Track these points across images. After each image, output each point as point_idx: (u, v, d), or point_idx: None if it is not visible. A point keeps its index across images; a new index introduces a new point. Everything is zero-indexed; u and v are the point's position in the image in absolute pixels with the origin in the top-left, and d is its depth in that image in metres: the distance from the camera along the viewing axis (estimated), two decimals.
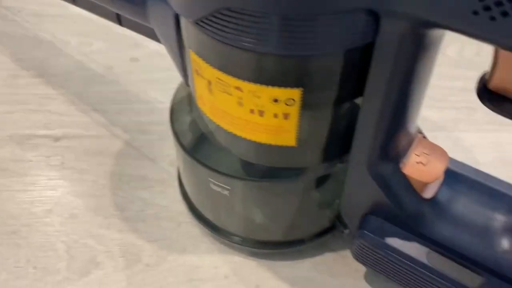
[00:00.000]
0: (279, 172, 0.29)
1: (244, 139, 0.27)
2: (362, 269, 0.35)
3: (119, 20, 0.36)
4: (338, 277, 0.35)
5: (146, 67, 0.51)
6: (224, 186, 0.30)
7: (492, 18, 0.17)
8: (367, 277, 0.35)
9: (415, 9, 0.18)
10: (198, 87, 0.27)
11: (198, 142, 0.32)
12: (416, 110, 0.26)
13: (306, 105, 0.24)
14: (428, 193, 0.29)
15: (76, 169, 0.42)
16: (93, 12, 0.38)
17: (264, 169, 0.29)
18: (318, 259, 0.36)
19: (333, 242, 0.36)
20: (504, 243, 0.26)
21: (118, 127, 0.45)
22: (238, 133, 0.27)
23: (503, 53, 0.20)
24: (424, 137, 0.31)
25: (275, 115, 0.25)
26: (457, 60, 0.52)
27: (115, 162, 0.42)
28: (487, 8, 0.17)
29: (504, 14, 0.16)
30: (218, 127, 0.28)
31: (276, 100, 0.24)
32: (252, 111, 0.25)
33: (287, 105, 0.24)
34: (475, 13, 0.17)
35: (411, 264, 0.28)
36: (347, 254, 0.36)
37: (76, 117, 0.46)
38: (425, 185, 0.29)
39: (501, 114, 0.22)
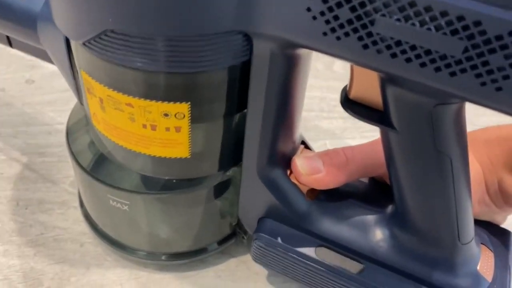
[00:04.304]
0: (176, 183, 0.30)
1: (139, 154, 0.28)
2: (262, 272, 0.37)
3: (9, 42, 0.36)
4: (240, 281, 0.37)
5: (42, 89, 0.50)
6: (123, 201, 0.31)
7: (338, 38, 0.20)
8: (267, 279, 0.37)
9: (277, 31, 0.21)
10: (91, 106, 0.28)
11: (96, 160, 0.32)
12: (296, 119, 0.30)
13: (195, 118, 0.26)
14: (312, 195, 0.32)
15: None
16: None
17: (162, 181, 0.30)
18: (221, 266, 0.38)
19: (234, 249, 0.38)
20: (377, 234, 0.30)
21: (14, 151, 0.44)
22: (133, 148, 0.28)
23: (355, 68, 0.24)
24: (306, 146, 0.34)
25: (167, 129, 0.26)
26: (343, 74, 0.57)
27: (12, 187, 0.41)
28: (333, 30, 0.20)
29: (346, 34, 0.20)
30: (113, 143, 0.29)
31: (166, 115, 0.25)
32: (144, 126, 0.26)
33: (177, 118, 0.26)
34: (325, 34, 0.20)
35: (302, 259, 0.30)
36: (247, 259, 0.38)
37: None
38: (309, 189, 0.32)
39: (359, 119, 0.25)
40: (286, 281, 0.37)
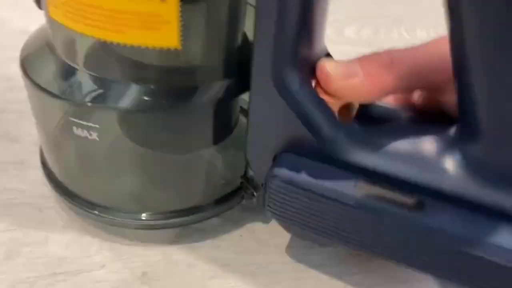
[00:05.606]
0: (161, 95, 0.22)
1: (111, 45, 0.20)
2: (273, 243, 0.29)
3: None
4: (245, 254, 0.28)
5: (3, 45, 0.42)
6: (91, 124, 0.23)
7: None
8: (278, 250, 0.28)
9: None
10: None
11: (56, 76, 0.24)
12: (322, 11, 0.22)
13: None
14: (344, 117, 0.24)
15: None
16: None
17: (142, 92, 0.22)
18: (222, 237, 0.29)
19: (239, 215, 0.30)
20: (440, 157, 0.22)
21: None
22: (103, 36, 0.20)
23: None
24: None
25: None
26: (355, 39, 0.50)
27: None
28: None
29: None
30: (76, 37, 0.21)
31: None
32: None
33: None
34: None
35: (336, 198, 0.22)
36: (255, 228, 0.30)
37: None
38: (342, 107, 0.24)
39: None
40: (306, 253, 0.28)
